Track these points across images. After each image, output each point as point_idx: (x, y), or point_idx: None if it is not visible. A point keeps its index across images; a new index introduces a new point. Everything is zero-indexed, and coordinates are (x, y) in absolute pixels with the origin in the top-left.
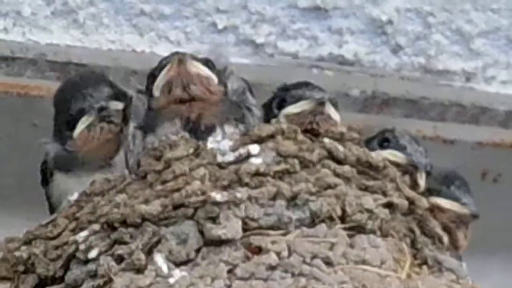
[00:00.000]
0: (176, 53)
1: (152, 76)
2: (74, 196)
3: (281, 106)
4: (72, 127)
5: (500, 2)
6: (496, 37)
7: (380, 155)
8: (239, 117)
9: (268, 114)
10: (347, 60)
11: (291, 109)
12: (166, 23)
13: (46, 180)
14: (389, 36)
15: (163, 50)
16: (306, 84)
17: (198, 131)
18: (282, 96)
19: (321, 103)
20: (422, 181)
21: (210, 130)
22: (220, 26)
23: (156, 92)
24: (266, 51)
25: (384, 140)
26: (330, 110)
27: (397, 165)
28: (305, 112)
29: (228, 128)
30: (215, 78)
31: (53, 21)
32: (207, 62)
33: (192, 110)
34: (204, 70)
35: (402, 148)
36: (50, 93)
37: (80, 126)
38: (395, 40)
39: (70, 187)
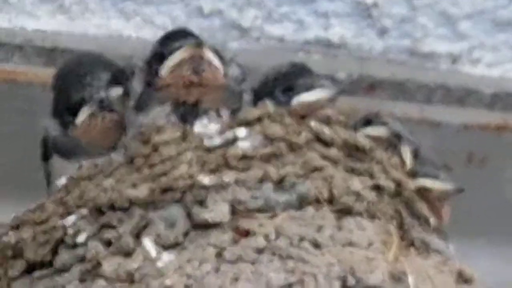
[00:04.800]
0: (186, 32)
1: (160, 54)
2: (62, 181)
3: (288, 91)
4: (74, 114)
5: None
6: (482, 20)
7: (362, 134)
8: (236, 107)
9: (258, 99)
10: (333, 43)
11: (306, 96)
12: (152, 8)
13: (46, 156)
14: (374, 19)
15: (149, 35)
16: (309, 72)
17: (193, 115)
18: (289, 84)
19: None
20: (407, 156)
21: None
22: (206, 11)
23: (163, 71)
24: (252, 35)
25: (367, 122)
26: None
27: (380, 140)
28: (321, 101)
29: (224, 114)
30: (222, 71)
31: (39, 7)
32: (217, 52)
33: (191, 94)
34: (216, 60)
35: (384, 124)
36: (37, 79)
37: (82, 116)
38: (381, 23)
39: (69, 172)
